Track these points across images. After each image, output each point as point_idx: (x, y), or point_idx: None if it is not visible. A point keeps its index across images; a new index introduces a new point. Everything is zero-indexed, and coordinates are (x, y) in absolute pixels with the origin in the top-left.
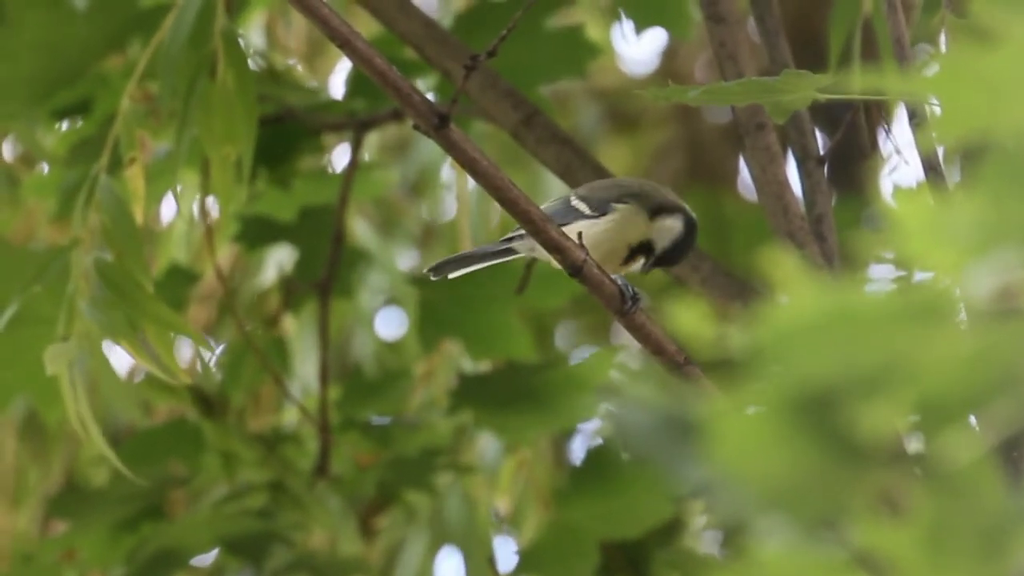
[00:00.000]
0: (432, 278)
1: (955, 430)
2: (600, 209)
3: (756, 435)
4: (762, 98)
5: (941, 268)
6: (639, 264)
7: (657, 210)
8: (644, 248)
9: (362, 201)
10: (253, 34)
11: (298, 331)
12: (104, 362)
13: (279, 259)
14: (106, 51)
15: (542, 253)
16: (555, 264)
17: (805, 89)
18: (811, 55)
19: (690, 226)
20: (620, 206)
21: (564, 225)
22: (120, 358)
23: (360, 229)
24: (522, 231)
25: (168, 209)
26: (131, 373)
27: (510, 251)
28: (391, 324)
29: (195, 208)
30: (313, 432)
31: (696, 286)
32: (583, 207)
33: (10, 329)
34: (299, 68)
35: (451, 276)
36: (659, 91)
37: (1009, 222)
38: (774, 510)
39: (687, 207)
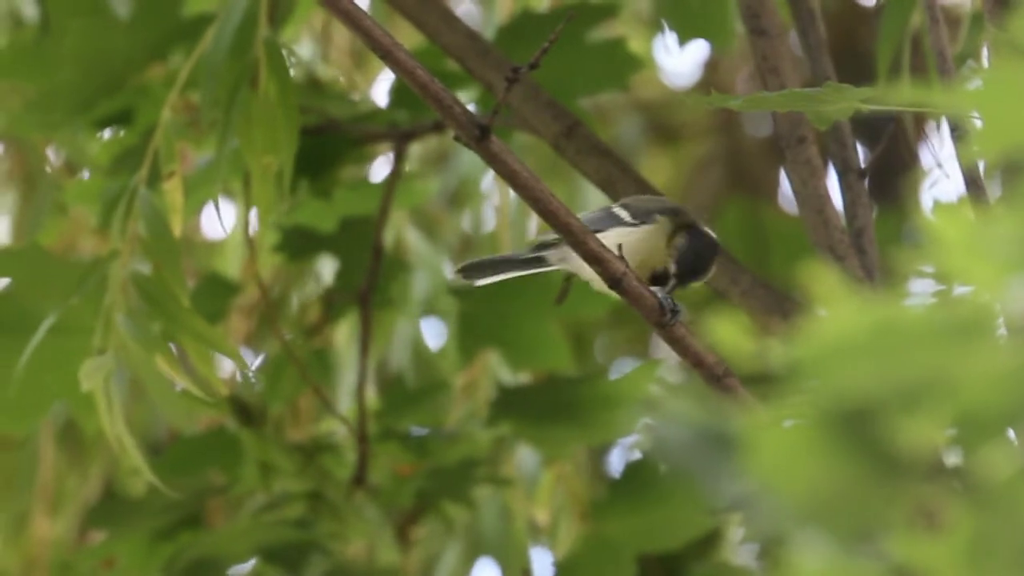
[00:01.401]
0: (461, 279)
1: (994, 444)
2: (641, 218)
3: (795, 449)
4: (804, 107)
5: (981, 283)
6: (667, 284)
7: (674, 231)
8: (664, 273)
9: (403, 212)
10: (296, 44)
11: (342, 342)
12: (153, 369)
13: (322, 270)
14: (148, 61)
15: (573, 264)
16: (584, 276)
17: (847, 100)
18: (853, 70)
19: (694, 237)
20: (660, 218)
21: (600, 232)
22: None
23: (411, 237)
24: (553, 240)
25: (209, 220)
26: (172, 382)
27: (541, 261)
28: (431, 335)
29: (236, 219)
30: (352, 442)
31: (736, 299)
32: (624, 214)
33: (49, 338)
34: (341, 79)
35: (478, 283)
36: (702, 98)
37: None
38: (812, 524)
39: (701, 224)
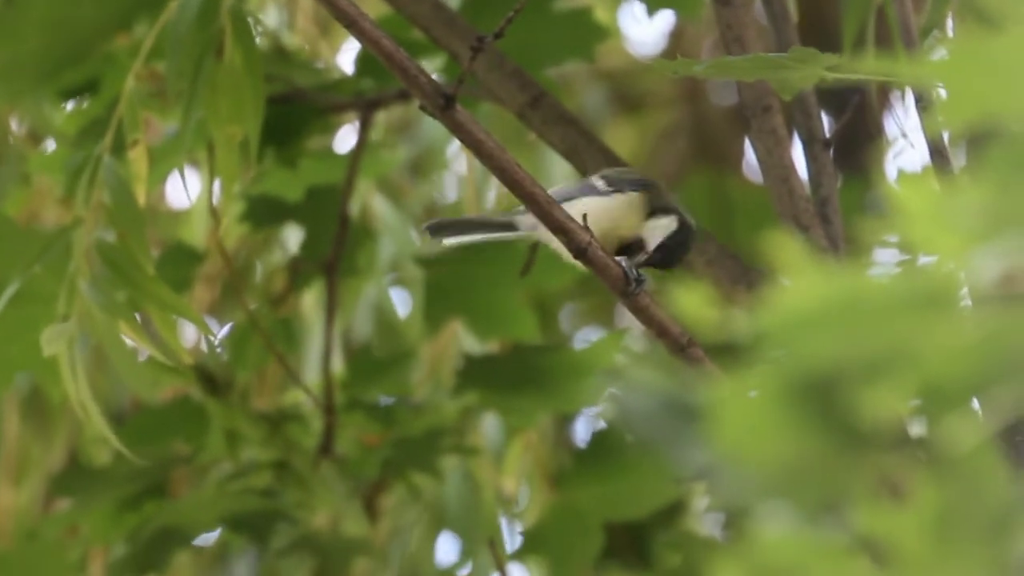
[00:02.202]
0: (429, 236)
1: (958, 415)
2: (615, 187)
3: (758, 419)
4: (769, 74)
5: (945, 253)
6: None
7: (656, 210)
8: (636, 245)
9: (369, 180)
10: (261, 13)
11: (308, 311)
12: (116, 338)
13: (288, 239)
14: (114, 30)
15: (544, 234)
16: (554, 246)
17: (812, 67)
18: (818, 41)
19: (685, 230)
20: (632, 192)
21: (571, 199)
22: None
23: (378, 205)
24: (524, 208)
25: (175, 189)
26: (136, 351)
27: (511, 226)
28: (397, 304)
29: (201, 188)
30: (318, 412)
31: (701, 268)
32: (600, 183)
33: (13, 307)
34: (307, 48)
35: (446, 242)
36: (668, 64)
37: (1014, 208)
38: (776, 494)
39: (687, 214)
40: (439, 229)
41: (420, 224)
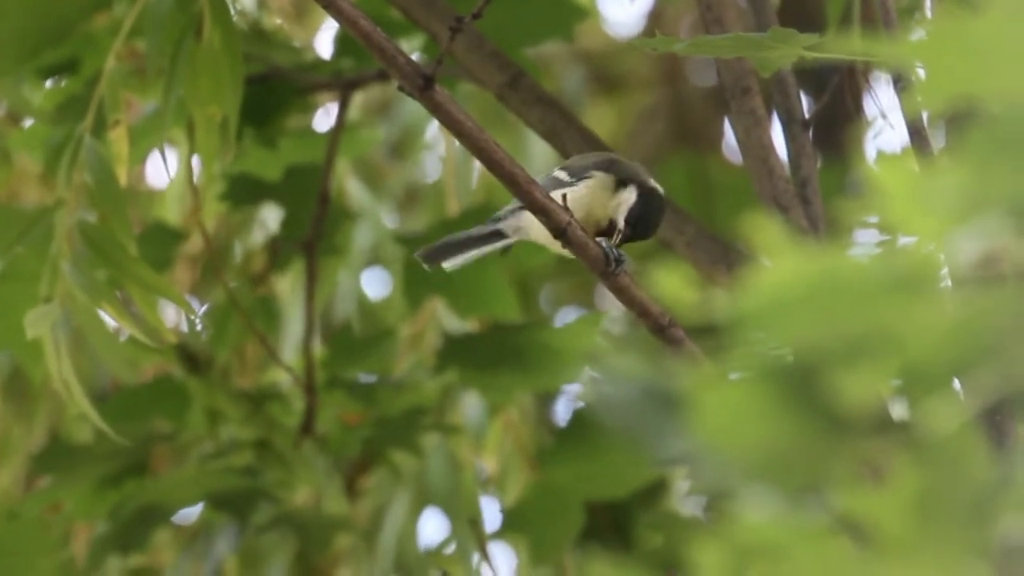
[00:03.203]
0: (426, 267)
1: (939, 397)
2: (578, 176)
3: (738, 403)
4: (749, 53)
5: (925, 234)
6: (612, 239)
7: (618, 184)
8: (610, 227)
9: (345, 161)
10: None
11: (287, 290)
12: (96, 320)
13: (267, 218)
14: (93, 9)
15: (528, 231)
16: (542, 241)
17: (792, 47)
18: (797, 22)
19: (646, 196)
20: (596, 173)
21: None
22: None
23: (352, 187)
24: (508, 210)
25: (154, 168)
26: (116, 331)
27: (499, 234)
28: (377, 284)
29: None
30: (299, 391)
31: (681, 249)
32: (563, 175)
33: None
34: (286, 27)
35: (445, 266)
36: (647, 41)
37: (993, 188)
38: (757, 478)
39: (649, 180)
40: (433, 256)
41: (399, 205)
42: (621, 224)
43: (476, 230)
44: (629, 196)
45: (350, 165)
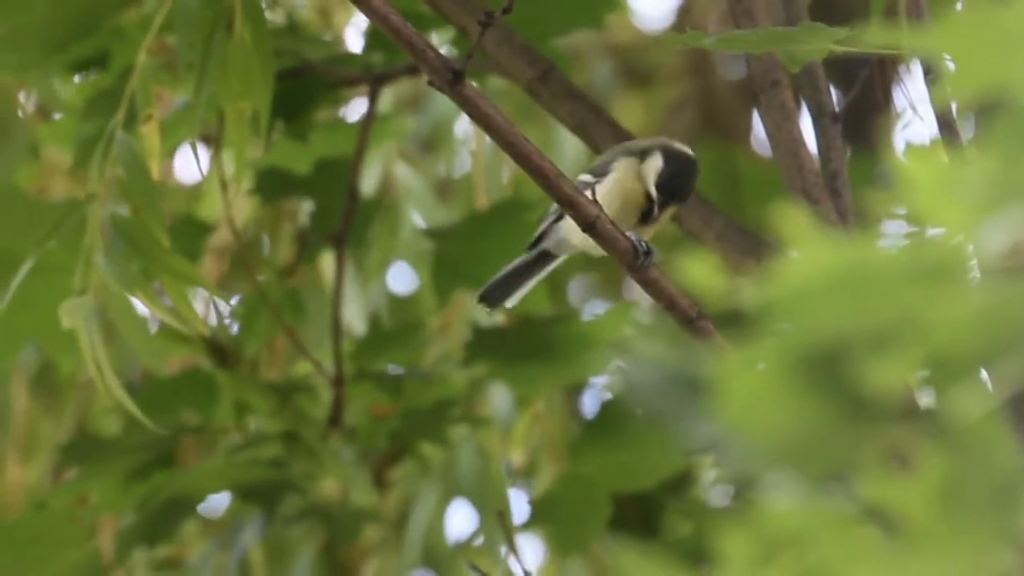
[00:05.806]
0: (487, 312)
1: (965, 386)
2: (603, 172)
3: (766, 391)
4: (778, 47)
5: (953, 225)
6: (654, 214)
7: (643, 159)
8: (648, 200)
9: (390, 150)
10: None
11: (317, 283)
12: (129, 311)
13: (297, 211)
14: (123, 3)
15: (571, 240)
16: (582, 247)
17: (821, 41)
18: (827, 15)
19: (671, 158)
20: (619, 160)
21: None
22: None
23: (401, 174)
24: (544, 227)
25: (184, 162)
26: (146, 323)
27: (547, 255)
28: (406, 276)
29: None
30: (327, 383)
31: (709, 241)
32: (588, 177)
33: (27, 279)
34: (316, 22)
35: (508, 304)
36: (677, 36)
37: (1021, 179)
38: (783, 466)
39: (673, 144)
40: (493, 297)
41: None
42: (653, 192)
43: (523, 259)
44: (655, 163)
45: (394, 154)
